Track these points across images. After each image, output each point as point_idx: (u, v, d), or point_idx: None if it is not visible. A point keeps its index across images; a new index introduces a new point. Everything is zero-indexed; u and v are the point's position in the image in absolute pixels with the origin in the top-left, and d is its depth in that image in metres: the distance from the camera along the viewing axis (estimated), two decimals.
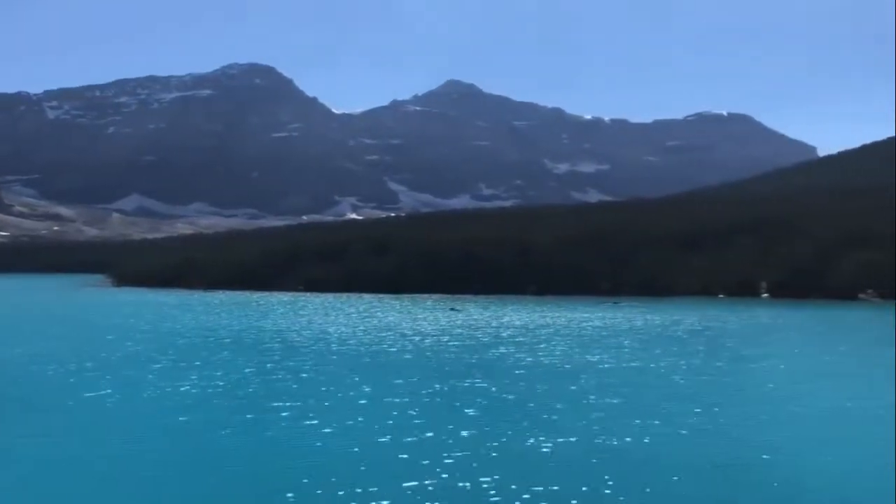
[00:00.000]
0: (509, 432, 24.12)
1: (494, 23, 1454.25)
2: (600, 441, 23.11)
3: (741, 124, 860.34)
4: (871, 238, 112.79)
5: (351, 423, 25.38)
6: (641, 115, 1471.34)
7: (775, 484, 19.05)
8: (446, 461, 20.69)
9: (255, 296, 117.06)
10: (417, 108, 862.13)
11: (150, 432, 24.20)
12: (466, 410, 27.83)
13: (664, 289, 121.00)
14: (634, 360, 42.33)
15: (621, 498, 17.77)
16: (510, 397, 30.97)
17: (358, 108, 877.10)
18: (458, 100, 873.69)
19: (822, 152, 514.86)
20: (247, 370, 37.98)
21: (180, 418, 26.18)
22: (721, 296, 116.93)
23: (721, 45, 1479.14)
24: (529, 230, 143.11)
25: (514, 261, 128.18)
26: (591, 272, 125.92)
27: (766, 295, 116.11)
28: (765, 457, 21.53)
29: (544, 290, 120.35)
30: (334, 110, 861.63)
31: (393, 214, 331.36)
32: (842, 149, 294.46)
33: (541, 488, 18.36)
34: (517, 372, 37.82)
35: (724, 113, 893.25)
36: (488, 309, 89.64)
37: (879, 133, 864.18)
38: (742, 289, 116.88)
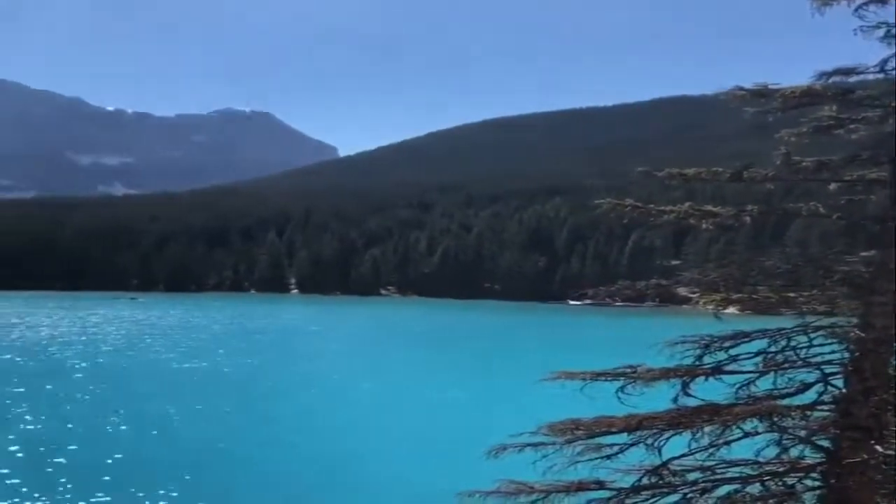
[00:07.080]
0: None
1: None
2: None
3: (264, 122, 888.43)
4: (386, 237, 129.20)
5: None
6: (164, 109, 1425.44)
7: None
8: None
9: None
10: None
11: None
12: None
13: (194, 284, 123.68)
14: (203, 360, 45.14)
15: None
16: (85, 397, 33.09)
17: None
18: None
19: (342, 153, 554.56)
20: None
21: None
22: (252, 291, 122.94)
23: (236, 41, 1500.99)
24: (55, 223, 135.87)
25: (39, 255, 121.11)
26: (121, 267, 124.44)
27: (295, 291, 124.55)
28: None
29: (74, 286, 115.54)
30: None
31: None
32: (360, 150, 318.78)
33: None
34: (79, 376, 39.53)
35: (247, 110, 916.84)
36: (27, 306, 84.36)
37: (396, 136, 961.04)
38: (271, 284, 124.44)
